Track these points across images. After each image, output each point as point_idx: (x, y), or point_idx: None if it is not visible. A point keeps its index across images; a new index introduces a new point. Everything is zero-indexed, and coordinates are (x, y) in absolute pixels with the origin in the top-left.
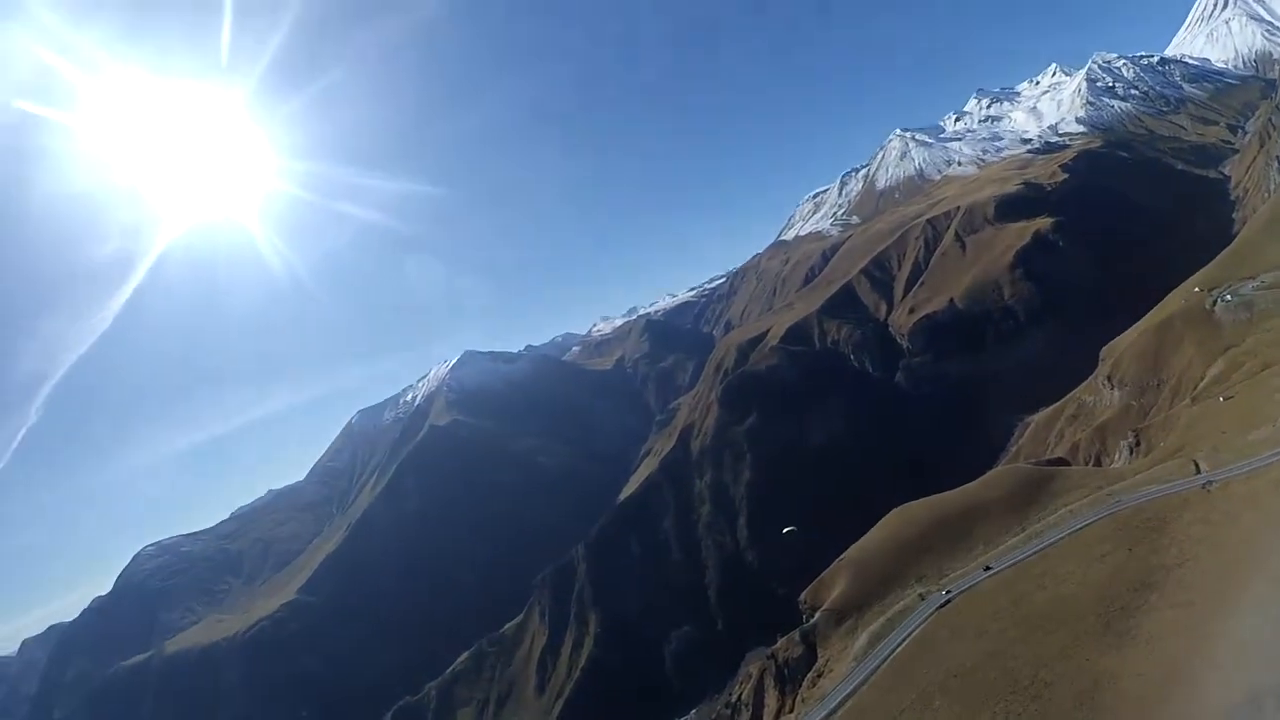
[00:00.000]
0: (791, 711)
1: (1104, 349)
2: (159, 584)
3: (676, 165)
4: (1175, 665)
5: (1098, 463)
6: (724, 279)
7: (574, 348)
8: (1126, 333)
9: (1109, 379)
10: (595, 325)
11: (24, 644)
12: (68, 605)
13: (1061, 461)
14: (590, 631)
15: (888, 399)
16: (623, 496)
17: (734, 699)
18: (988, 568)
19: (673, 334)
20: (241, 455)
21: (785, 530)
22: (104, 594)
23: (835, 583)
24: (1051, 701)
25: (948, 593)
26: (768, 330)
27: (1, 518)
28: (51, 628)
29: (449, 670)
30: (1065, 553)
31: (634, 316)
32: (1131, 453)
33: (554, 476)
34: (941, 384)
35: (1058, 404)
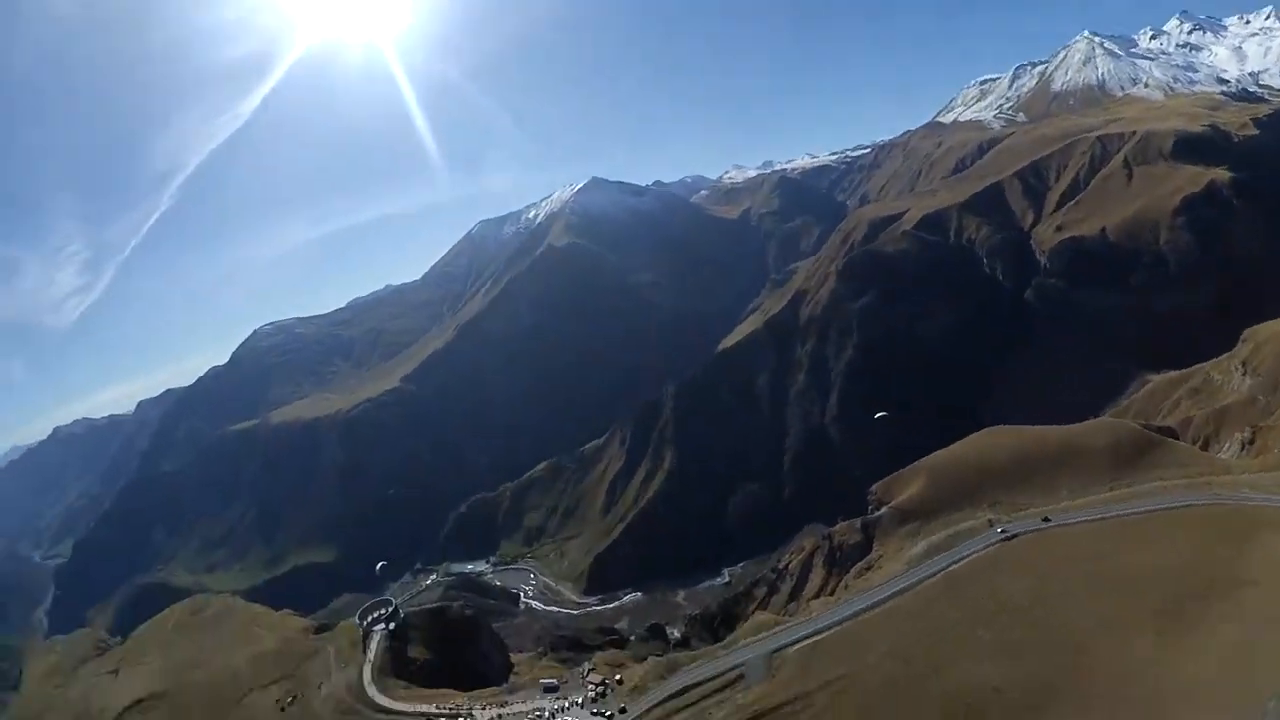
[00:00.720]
0: (833, 594)
1: (1248, 330)
2: (273, 360)
3: (841, 23)
4: (1204, 683)
5: (1205, 447)
6: (869, 150)
7: (702, 191)
8: (1278, 320)
9: (1244, 364)
10: (727, 172)
11: (140, 404)
12: (184, 373)
13: (1169, 433)
14: (664, 467)
15: (1012, 314)
16: (723, 346)
17: (781, 566)
18: (1046, 519)
19: (805, 195)
20: (364, 250)
21: (878, 415)
22: (220, 364)
23: (910, 484)
24: (1091, 672)
25: (1005, 530)
26: (904, 212)
27: (130, 289)
28: (167, 391)
29: (526, 475)
30: (1144, 529)
31: (768, 170)
32: (1244, 448)
33: (661, 313)
34: (1071, 312)
35: (1183, 371)
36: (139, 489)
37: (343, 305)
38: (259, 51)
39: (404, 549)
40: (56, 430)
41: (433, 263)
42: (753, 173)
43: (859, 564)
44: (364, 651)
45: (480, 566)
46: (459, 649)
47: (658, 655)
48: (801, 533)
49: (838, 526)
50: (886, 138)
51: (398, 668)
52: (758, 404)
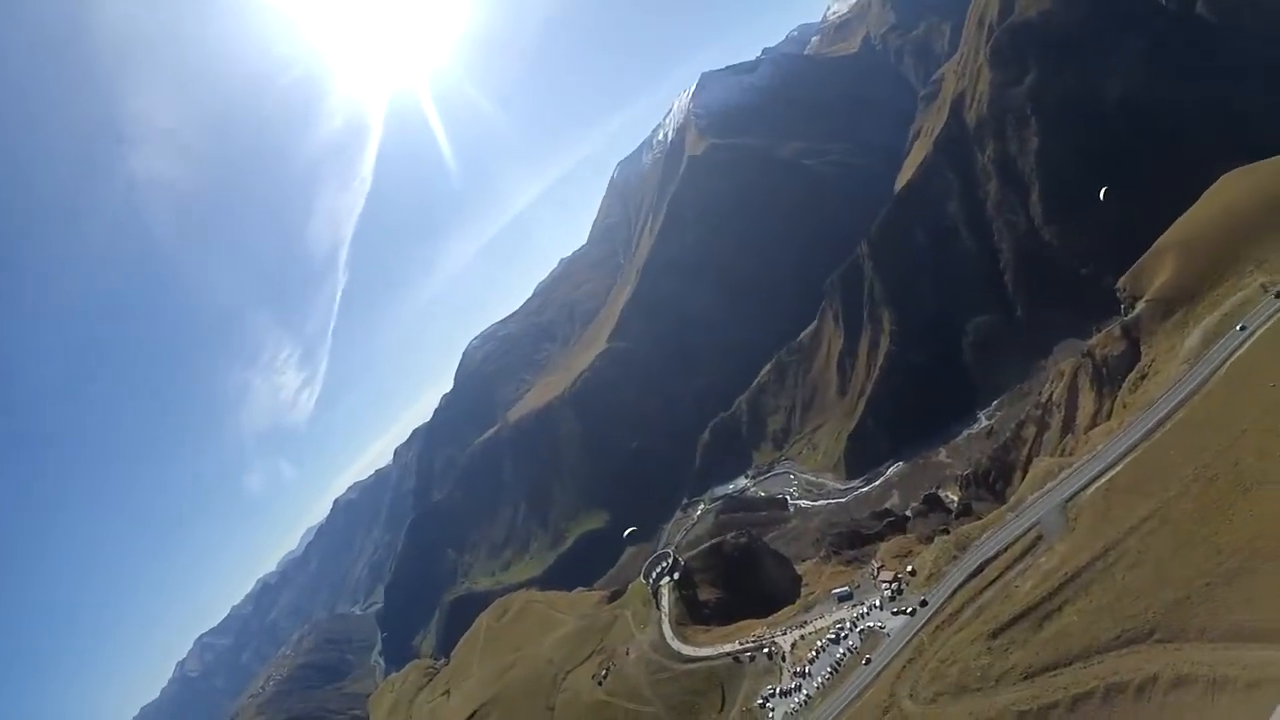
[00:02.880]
0: (1110, 417)
1: None
2: (490, 368)
3: None
4: None
5: None
6: None
7: (813, 38)
8: None
9: None
10: (829, 8)
11: (396, 451)
12: (422, 410)
13: None
14: (885, 330)
15: (1192, 39)
16: (899, 185)
17: (1044, 399)
18: None
19: None
20: (525, 238)
21: (1102, 191)
22: (448, 390)
23: (1159, 268)
24: None
25: None
26: None
27: (345, 362)
28: (414, 431)
29: (754, 383)
30: None
31: None
32: None
33: (824, 176)
34: (1256, 15)
35: None
36: (421, 523)
37: (530, 294)
38: (353, 117)
39: (666, 490)
40: (336, 502)
41: (591, 222)
42: None
43: (1130, 375)
44: (657, 607)
45: (741, 483)
46: (744, 578)
47: (942, 533)
48: (1054, 353)
49: (1095, 339)
50: None
51: (693, 614)
52: (956, 232)
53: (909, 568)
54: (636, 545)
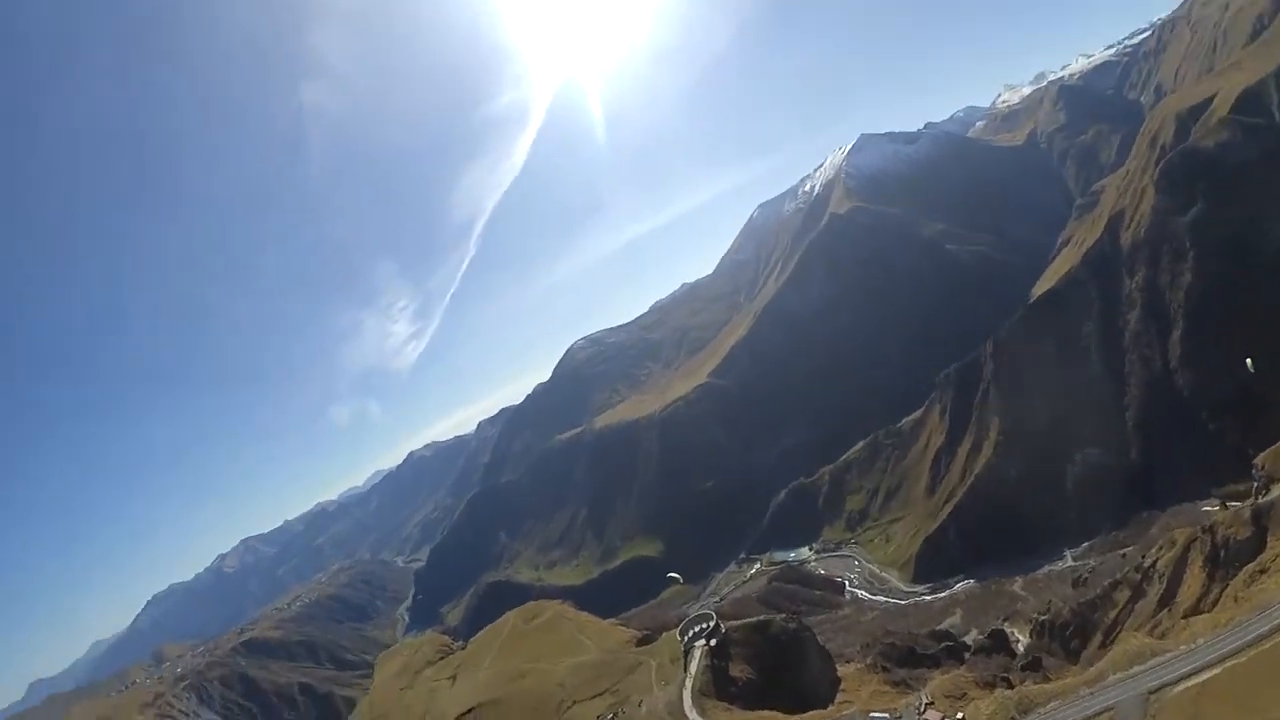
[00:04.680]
0: (1216, 606)
1: None
2: (590, 371)
3: None
4: None
5: None
6: (1148, 32)
7: (978, 122)
8: None
9: None
10: (1000, 95)
11: (479, 424)
12: (515, 392)
13: None
14: (990, 436)
15: None
16: (1038, 291)
17: (1147, 564)
18: None
19: (1092, 101)
20: (655, 254)
21: (1249, 361)
22: (544, 381)
23: None
24: None
25: None
26: (1212, 96)
27: (456, 328)
28: (502, 410)
29: (843, 457)
30: None
31: (1044, 83)
32: None
33: (962, 265)
34: None
35: None
36: (483, 499)
37: (645, 310)
38: (519, 100)
39: (726, 539)
40: (410, 455)
41: (721, 254)
42: (1027, 90)
43: (1249, 566)
44: (684, 668)
45: (803, 554)
46: (783, 666)
47: (1003, 682)
48: (1162, 513)
49: (1219, 515)
50: (1164, 14)
51: (719, 687)
52: (1086, 354)
53: (960, 715)
54: (681, 585)
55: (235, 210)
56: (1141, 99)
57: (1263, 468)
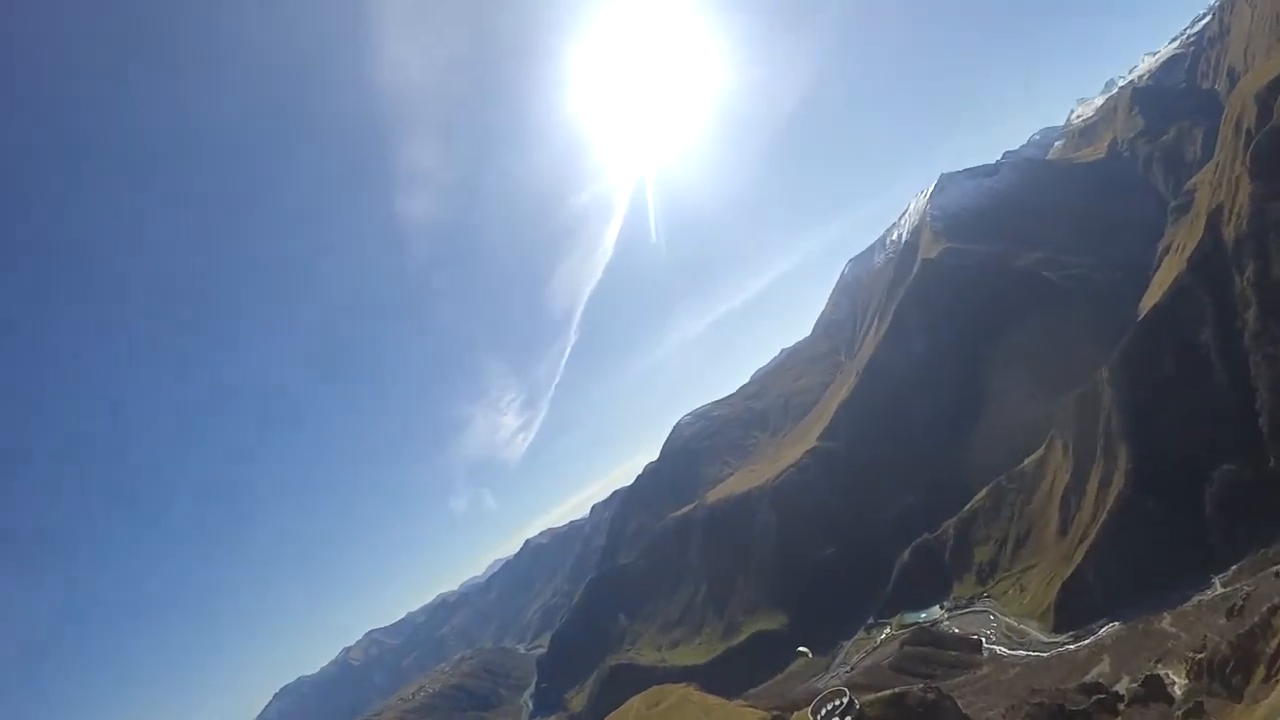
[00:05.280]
0: None
1: None
2: (697, 445)
3: None
4: None
5: None
6: (1208, 16)
7: (1055, 142)
8: None
9: None
10: (1073, 111)
11: (593, 508)
12: (626, 473)
13: None
14: (1119, 467)
15: None
16: (1145, 306)
17: None
18: None
19: (1166, 99)
20: (752, 323)
21: None
22: (654, 460)
23: None
24: None
25: None
26: None
27: (563, 415)
28: (615, 492)
29: (966, 508)
30: None
31: (1115, 90)
32: None
33: (1063, 292)
34: None
35: None
36: (601, 582)
37: (747, 380)
38: (602, 192)
39: (852, 605)
40: (527, 542)
41: (816, 315)
42: (1099, 100)
43: None
44: None
45: (934, 613)
46: None
47: None
48: None
49: None
50: None
51: None
52: (1208, 364)
53: None
54: (809, 658)
55: (344, 321)
56: (1216, 87)
57: None
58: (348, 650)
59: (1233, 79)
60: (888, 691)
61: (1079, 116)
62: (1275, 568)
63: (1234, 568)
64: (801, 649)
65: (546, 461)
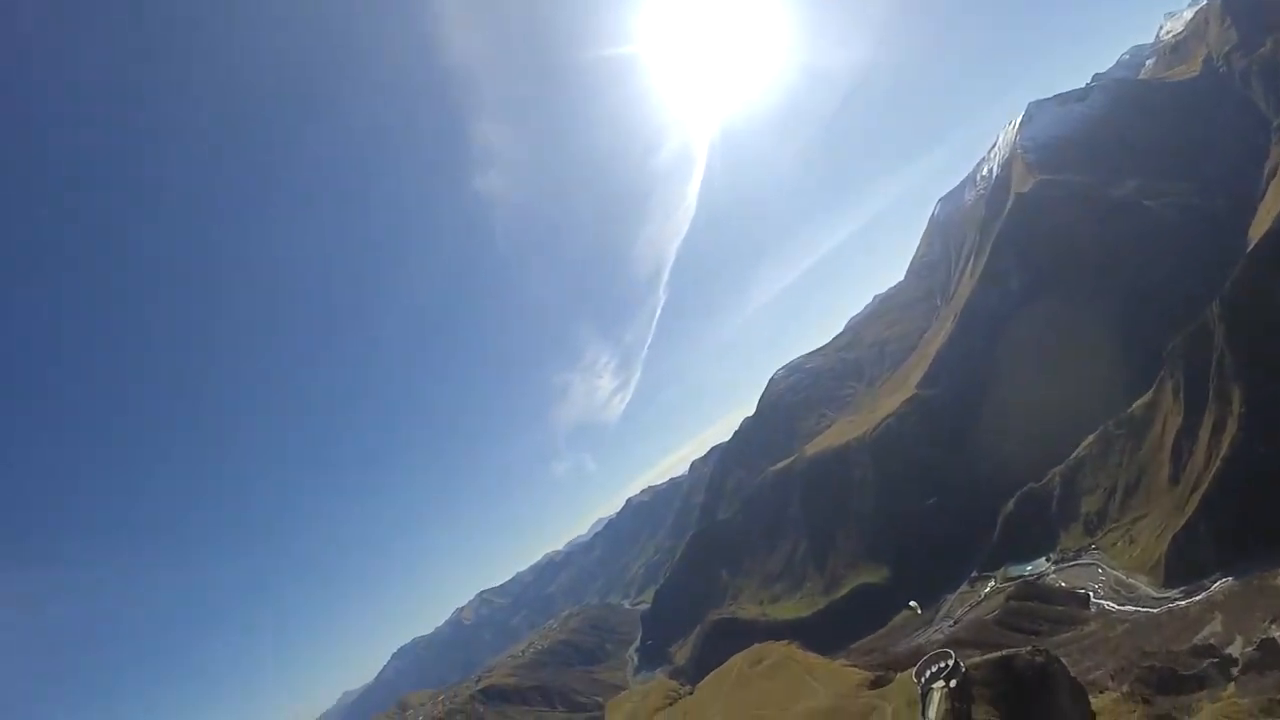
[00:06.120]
0: None
1: None
2: (793, 399)
3: None
4: None
5: None
6: None
7: (1147, 61)
8: None
9: None
10: (1162, 26)
11: (692, 464)
12: (724, 429)
13: None
14: (1234, 412)
15: None
16: (1256, 234)
17: None
18: None
19: (1260, 8)
20: (841, 272)
21: None
22: (750, 415)
23: None
24: None
25: None
26: None
27: (657, 375)
28: (713, 448)
29: (1072, 455)
30: None
31: (1204, 2)
32: None
33: (1165, 222)
34: None
35: None
36: (702, 538)
37: (840, 329)
38: (682, 147)
39: (955, 557)
40: (629, 501)
41: (909, 258)
42: (1189, 13)
43: None
44: (923, 713)
45: (1040, 566)
46: (1031, 705)
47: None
48: None
49: None
50: None
51: None
52: None
53: None
54: (909, 611)
55: (436, 301)
56: None
57: None
58: (460, 611)
59: None
60: (995, 654)
61: (1168, 32)
62: None
63: None
64: (911, 604)
65: (644, 421)
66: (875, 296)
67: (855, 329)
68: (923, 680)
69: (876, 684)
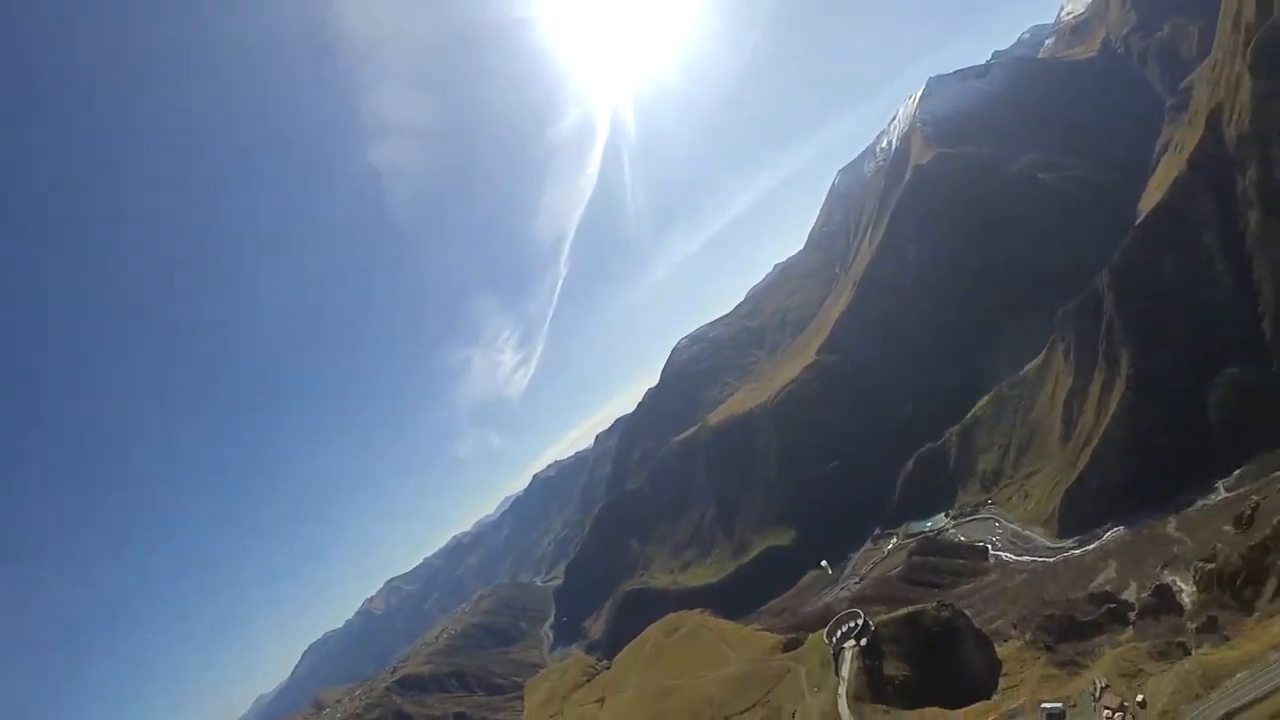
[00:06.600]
0: None
1: None
2: (696, 368)
3: None
4: None
5: None
6: None
7: (1046, 40)
8: None
9: None
10: (1063, 8)
11: (597, 437)
12: (628, 401)
13: None
14: (1121, 373)
15: None
16: (1145, 208)
17: None
18: None
19: None
20: (742, 242)
21: None
22: (654, 386)
23: None
24: None
25: None
26: None
27: (560, 347)
28: (618, 420)
29: (968, 415)
30: None
31: None
32: None
33: (1060, 194)
34: None
35: None
36: (610, 510)
37: (742, 298)
38: (582, 118)
39: (859, 517)
40: (535, 477)
41: (809, 228)
42: None
43: None
44: (836, 672)
45: (939, 522)
46: (939, 658)
47: (1178, 645)
48: None
49: None
50: None
51: (874, 690)
52: (1211, 266)
53: (1139, 697)
54: (817, 571)
55: (328, 278)
56: None
57: None
58: (369, 601)
59: None
60: (902, 611)
61: (1069, 13)
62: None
63: (1238, 472)
64: (822, 563)
65: (549, 395)
66: (776, 266)
67: (756, 298)
68: (834, 640)
69: (789, 646)
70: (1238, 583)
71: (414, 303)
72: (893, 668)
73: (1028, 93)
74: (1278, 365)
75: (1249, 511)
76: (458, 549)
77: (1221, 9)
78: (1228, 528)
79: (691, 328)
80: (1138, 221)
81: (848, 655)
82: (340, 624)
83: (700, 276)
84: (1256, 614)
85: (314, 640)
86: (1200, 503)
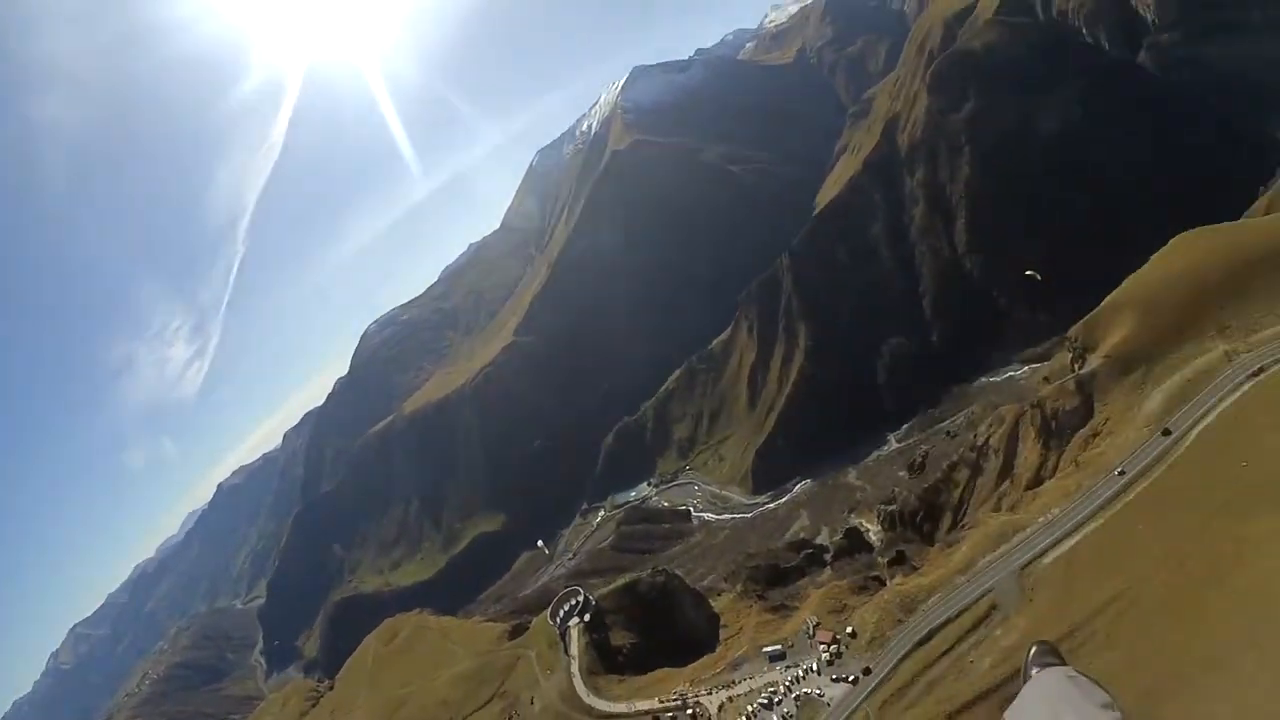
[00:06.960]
0: (1056, 472)
1: None
2: (388, 353)
3: None
4: None
5: None
6: None
7: (748, 44)
8: None
9: None
10: (767, 16)
11: (285, 436)
12: (316, 392)
13: None
14: (800, 345)
15: (1131, 85)
16: (823, 200)
17: (980, 442)
18: None
19: (858, 14)
20: (435, 221)
21: (1032, 273)
22: (343, 375)
23: (1115, 323)
24: None
25: (1253, 366)
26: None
27: (239, 337)
28: (306, 414)
29: (662, 389)
30: None
31: (809, 1)
32: None
33: (748, 185)
34: (1198, 72)
35: None
36: (307, 515)
37: (435, 279)
38: (267, 81)
39: (565, 494)
40: (220, 486)
41: (505, 208)
42: (793, 8)
43: (1082, 431)
44: (565, 651)
45: (643, 490)
46: (660, 621)
47: (874, 579)
48: (972, 387)
49: (1046, 391)
50: None
51: (605, 661)
52: (878, 253)
53: (849, 629)
54: (533, 552)
55: None
56: (905, 8)
57: (1077, 340)
58: (55, 655)
59: (922, 3)
60: (619, 581)
61: (772, 22)
62: (944, 425)
63: (904, 426)
64: (539, 543)
65: (228, 392)
66: (471, 245)
67: (450, 279)
68: (558, 620)
69: (515, 633)
70: (918, 520)
71: (63, 287)
72: (619, 637)
73: (725, 90)
74: (935, 335)
75: (920, 459)
76: (143, 579)
77: (911, 33)
78: (902, 473)
79: (382, 311)
80: (816, 212)
81: (574, 633)
82: (29, 688)
83: (390, 256)
84: (937, 545)
85: (4, 714)
86: (875, 454)
